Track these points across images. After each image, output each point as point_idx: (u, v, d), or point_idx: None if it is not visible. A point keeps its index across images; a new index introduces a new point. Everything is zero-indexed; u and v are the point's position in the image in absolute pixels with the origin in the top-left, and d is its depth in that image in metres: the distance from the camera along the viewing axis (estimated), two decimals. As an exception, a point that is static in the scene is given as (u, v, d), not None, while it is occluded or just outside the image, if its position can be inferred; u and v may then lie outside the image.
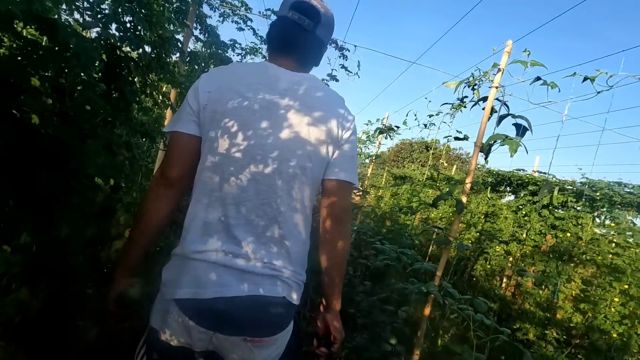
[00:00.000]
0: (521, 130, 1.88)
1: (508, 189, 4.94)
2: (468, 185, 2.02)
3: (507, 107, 2.01)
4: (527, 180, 4.38)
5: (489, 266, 5.00)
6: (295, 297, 0.82)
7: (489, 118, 1.96)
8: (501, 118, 1.98)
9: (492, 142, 1.80)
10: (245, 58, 2.81)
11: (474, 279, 5.26)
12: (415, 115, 3.08)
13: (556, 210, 4.21)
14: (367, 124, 4.68)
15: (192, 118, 0.82)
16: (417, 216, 9.41)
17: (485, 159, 1.91)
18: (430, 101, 2.45)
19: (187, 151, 0.83)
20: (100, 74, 1.16)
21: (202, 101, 0.81)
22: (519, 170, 4.46)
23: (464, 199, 1.99)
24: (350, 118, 0.87)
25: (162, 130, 1.97)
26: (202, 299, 0.75)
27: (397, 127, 3.62)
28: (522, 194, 4.62)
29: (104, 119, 1.19)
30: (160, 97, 1.66)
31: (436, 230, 7.75)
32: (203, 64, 2.28)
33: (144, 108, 1.56)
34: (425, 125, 3.06)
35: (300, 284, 0.84)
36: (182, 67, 1.99)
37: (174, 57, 2.06)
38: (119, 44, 1.18)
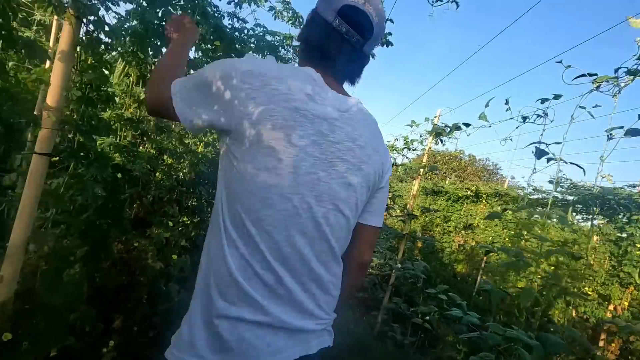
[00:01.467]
0: None
1: (597, 210, 3.69)
2: None
3: None
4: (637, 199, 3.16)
5: (575, 314, 3.76)
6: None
7: None
8: None
9: None
10: (240, 8, 1.82)
11: (552, 328, 3.99)
12: (507, 102, 1.98)
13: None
14: (410, 125, 3.56)
15: (217, 108, 0.68)
16: (456, 238, 8.15)
17: None
18: (569, 66, 1.35)
19: None
20: None
21: (240, 93, 0.66)
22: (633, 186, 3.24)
23: None
24: (388, 157, 0.83)
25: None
26: None
27: (468, 125, 2.52)
28: (624, 218, 3.39)
29: None
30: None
31: (484, 257, 6.44)
32: None
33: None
34: (525, 119, 1.95)
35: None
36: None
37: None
38: None
